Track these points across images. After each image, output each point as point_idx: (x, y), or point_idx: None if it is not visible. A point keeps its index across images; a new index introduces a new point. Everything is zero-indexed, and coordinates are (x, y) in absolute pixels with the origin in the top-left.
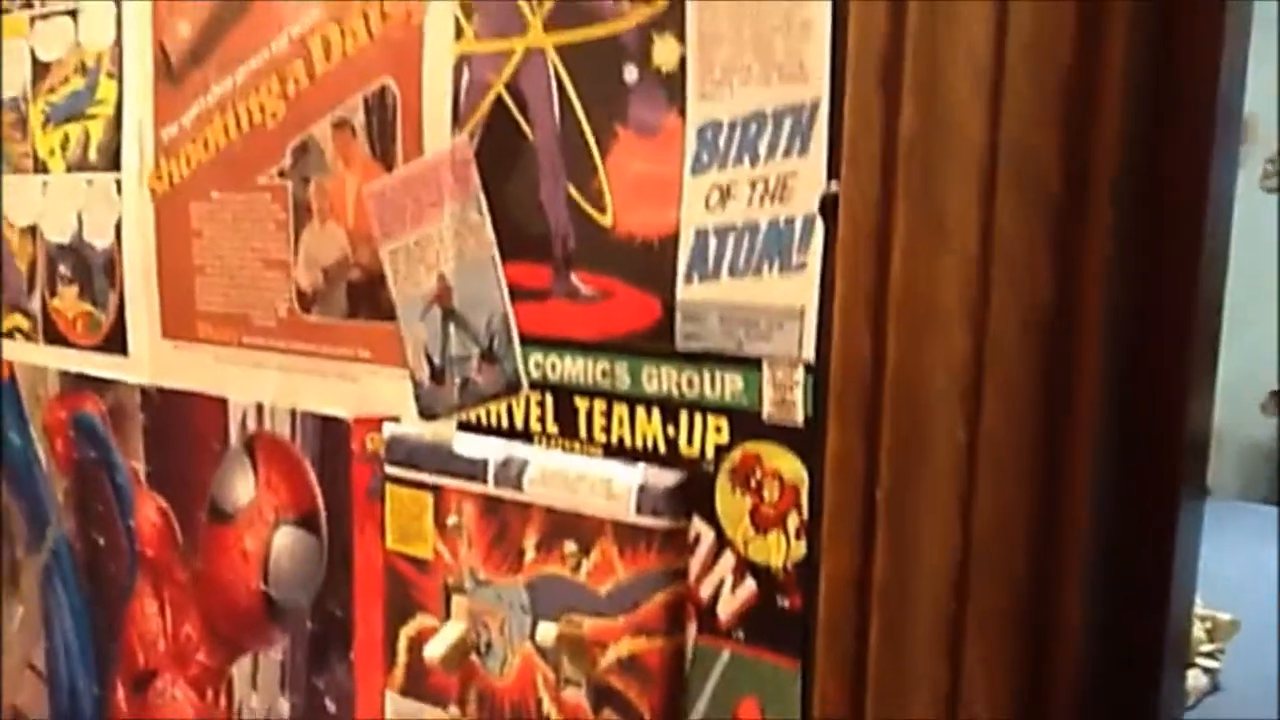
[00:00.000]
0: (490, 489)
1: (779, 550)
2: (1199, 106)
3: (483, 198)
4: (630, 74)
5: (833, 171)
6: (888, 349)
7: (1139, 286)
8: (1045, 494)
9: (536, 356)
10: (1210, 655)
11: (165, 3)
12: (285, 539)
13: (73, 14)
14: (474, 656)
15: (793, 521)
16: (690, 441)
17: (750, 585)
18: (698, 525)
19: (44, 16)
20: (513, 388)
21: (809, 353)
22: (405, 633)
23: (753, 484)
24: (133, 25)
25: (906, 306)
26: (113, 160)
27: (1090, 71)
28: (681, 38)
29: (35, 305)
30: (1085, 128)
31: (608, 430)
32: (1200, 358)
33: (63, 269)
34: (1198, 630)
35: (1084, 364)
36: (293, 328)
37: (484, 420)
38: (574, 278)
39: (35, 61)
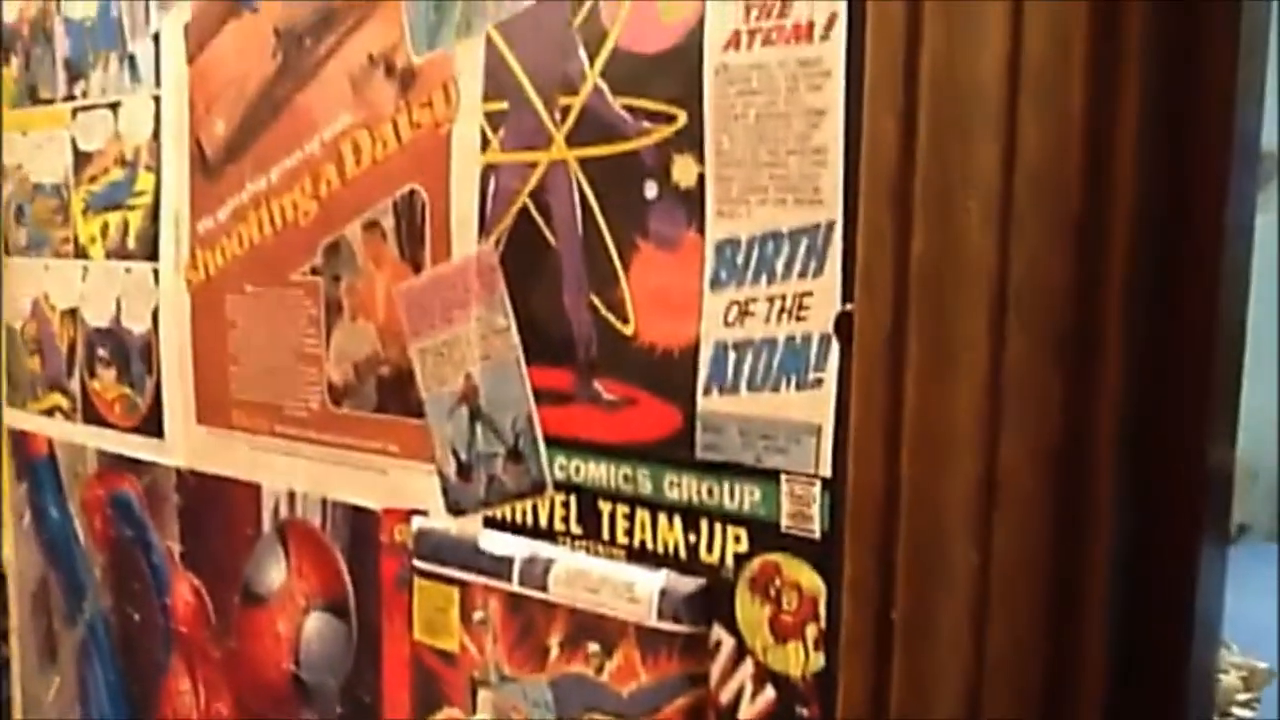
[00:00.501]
0: (516, 587)
1: (798, 660)
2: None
3: (508, 302)
4: (650, 190)
5: (847, 292)
6: (902, 471)
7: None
8: (1058, 618)
9: (561, 458)
10: (1247, 704)
11: (202, 101)
12: (316, 623)
13: (113, 107)
14: None
15: (811, 632)
16: (710, 549)
17: (770, 694)
18: (718, 632)
19: (86, 109)
20: (538, 488)
21: (826, 469)
22: None
23: (772, 593)
24: (171, 121)
25: (920, 430)
26: (151, 249)
27: (1099, 201)
28: (700, 157)
29: (75, 385)
30: (1095, 256)
31: (630, 534)
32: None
33: (102, 352)
34: (1233, 679)
35: (1097, 490)
36: (324, 419)
37: (509, 518)
38: (597, 384)
39: (77, 151)
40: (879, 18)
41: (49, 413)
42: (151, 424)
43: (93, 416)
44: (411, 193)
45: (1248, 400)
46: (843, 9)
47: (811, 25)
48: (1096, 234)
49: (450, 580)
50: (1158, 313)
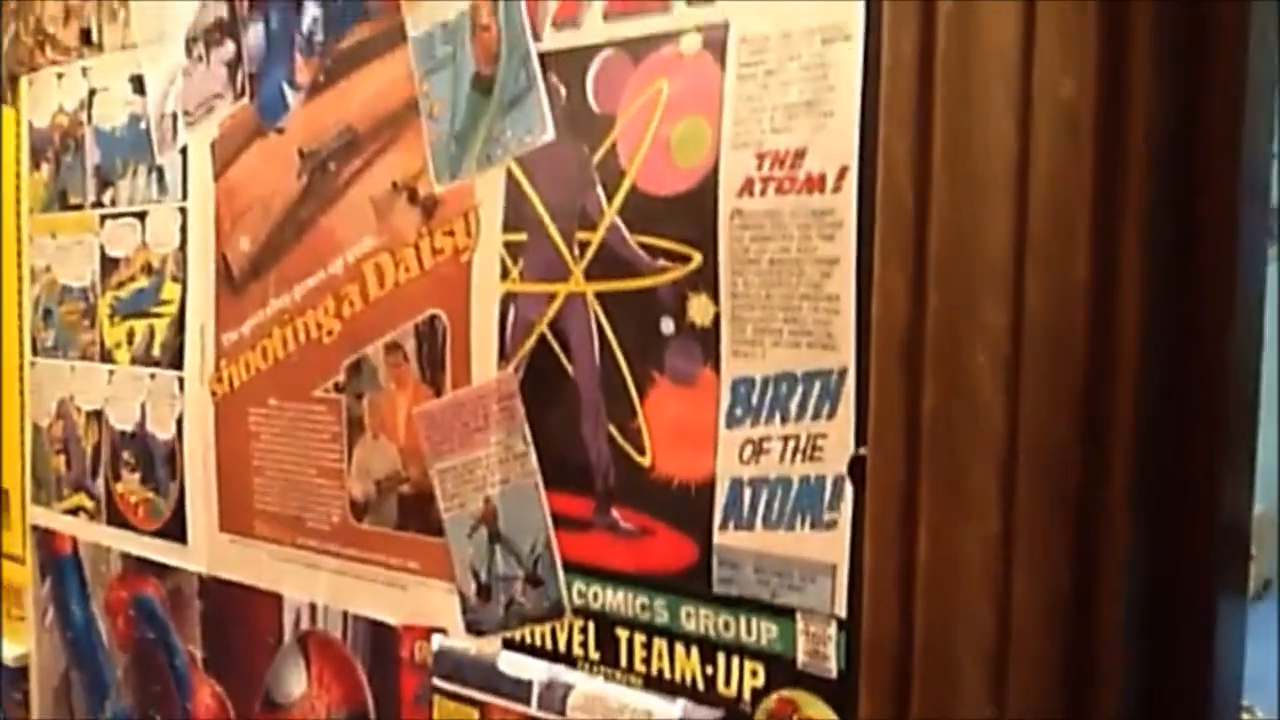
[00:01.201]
0: (535, 711)
1: None
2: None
3: (527, 429)
4: (667, 326)
5: (861, 435)
6: (916, 617)
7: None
8: None
9: (579, 584)
10: None
11: (228, 216)
12: None
13: (141, 216)
14: None
15: None
16: (728, 682)
17: None
18: None
19: (114, 216)
20: (556, 612)
21: (841, 609)
22: None
23: None
24: (197, 234)
25: (933, 576)
26: (176, 358)
27: (1105, 359)
28: (715, 297)
29: (99, 487)
30: (1102, 410)
31: (648, 662)
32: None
33: (126, 455)
34: None
35: (1104, 637)
36: (345, 534)
37: (528, 640)
38: (615, 512)
39: (104, 257)
40: (888, 181)
41: (73, 512)
42: (175, 528)
43: (116, 518)
44: (433, 317)
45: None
46: (854, 164)
47: (824, 177)
48: (1102, 389)
49: (470, 701)
50: (1166, 440)
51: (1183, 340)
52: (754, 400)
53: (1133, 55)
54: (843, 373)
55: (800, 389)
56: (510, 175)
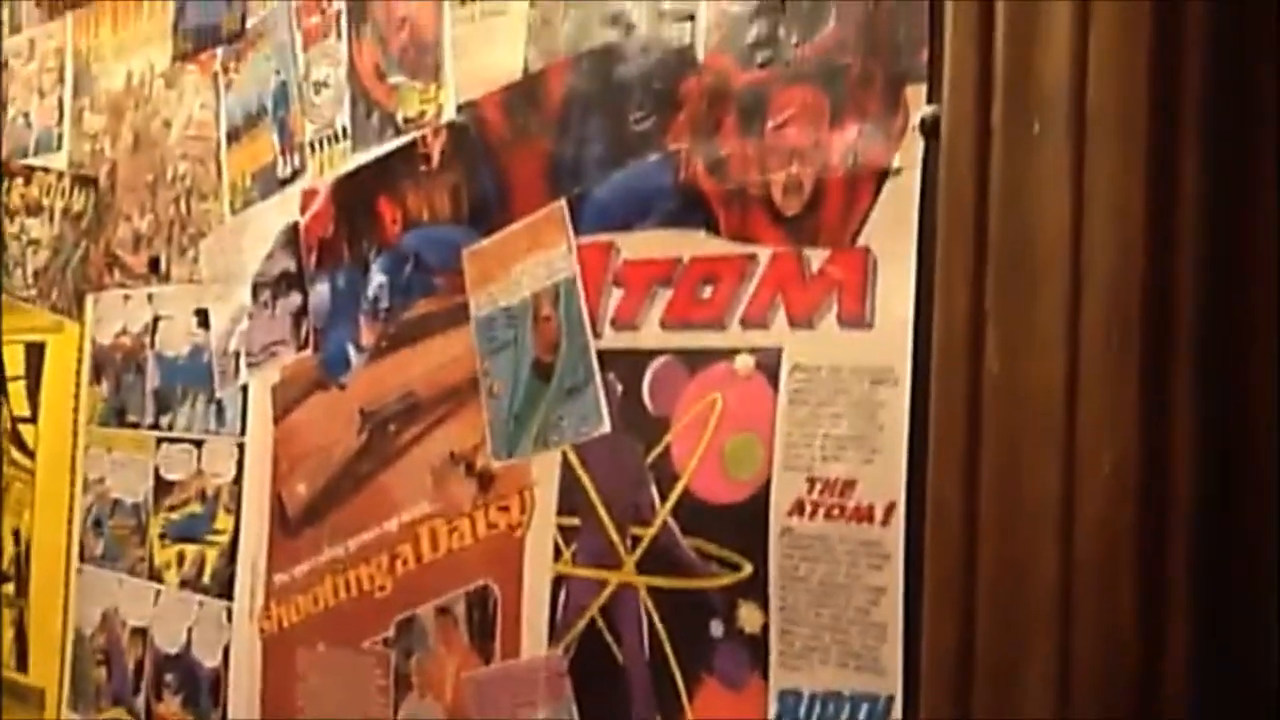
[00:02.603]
0: None
1: None
2: None
3: (575, 710)
4: (717, 629)
5: None
6: None
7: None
8: None
9: None
10: None
11: (286, 459)
12: None
13: (198, 444)
14: None
15: None
16: None
17: None
18: None
19: (171, 440)
20: None
21: None
22: None
23: None
24: (253, 472)
25: None
26: (225, 588)
27: (1152, 690)
28: (765, 608)
29: (140, 704)
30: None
31: None
32: None
33: (169, 677)
34: None
35: None
36: None
37: None
38: None
39: (159, 478)
40: (937, 522)
41: None
42: None
43: None
44: (485, 587)
45: None
46: (901, 500)
47: (872, 509)
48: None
49: None
50: None
51: (1229, 681)
52: (801, 713)
53: (1174, 423)
54: (890, 700)
55: (848, 709)
56: (566, 460)
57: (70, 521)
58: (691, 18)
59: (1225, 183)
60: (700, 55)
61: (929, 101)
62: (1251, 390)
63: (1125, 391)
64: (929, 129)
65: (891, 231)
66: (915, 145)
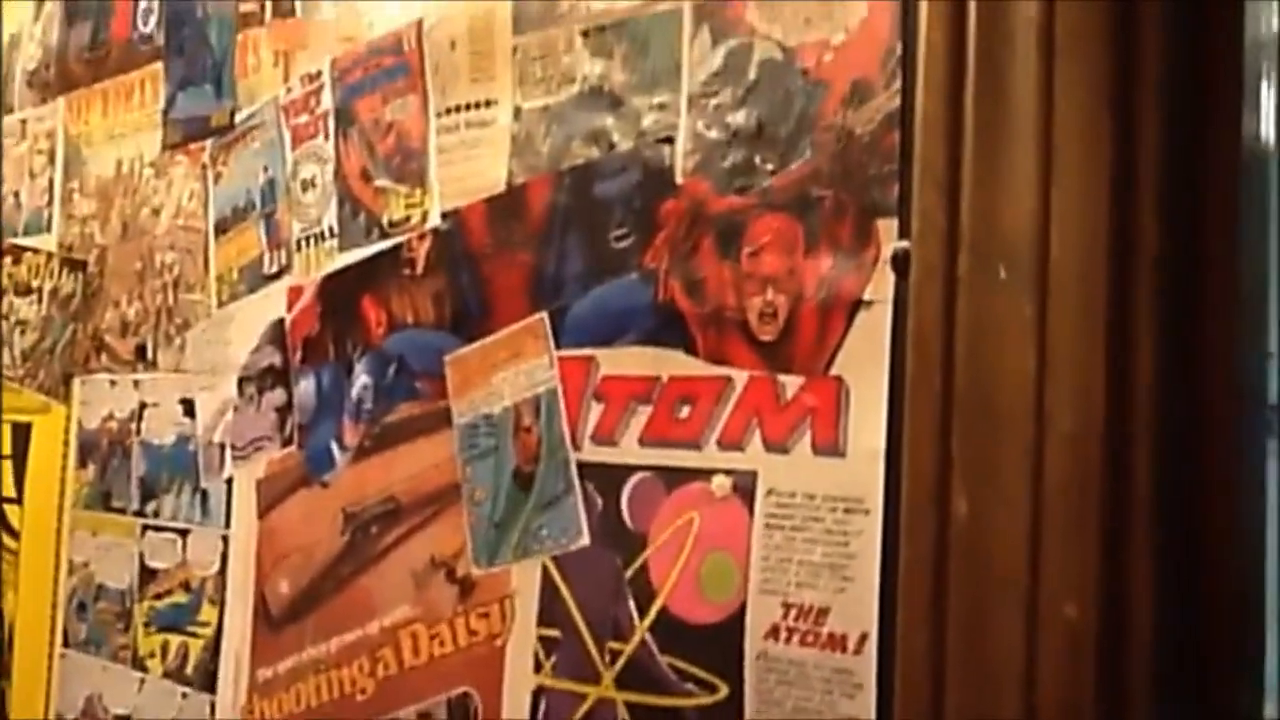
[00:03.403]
0: None
1: None
2: None
3: None
4: None
5: None
6: None
7: None
8: None
9: None
10: None
11: (269, 556)
12: None
13: (183, 534)
14: None
15: None
16: None
17: None
18: None
19: (156, 528)
20: None
21: None
22: None
23: None
24: (237, 566)
25: None
26: (209, 681)
27: None
28: None
29: None
30: None
31: None
32: None
33: None
34: None
35: None
36: None
37: None
38: None
39: (143, 565)
40: (905, 669)
41: None
42: None
43: None
44: (466, 694)
45: None
46: (874, 631)
47: (845, 638)
48: None
49: None
50: None
51: None
52: None
53: (1134, 574)
54: None
55: None
56: (546, 572)
57: (54, 605)
58: (671, 140)
59: (1179, 341)
60: (679, 178)
61: (900, 236)
62: (1210, 541)
63: (1087, 543)
64: (900, 264)
65: (864, 362)
66: (887, 278)
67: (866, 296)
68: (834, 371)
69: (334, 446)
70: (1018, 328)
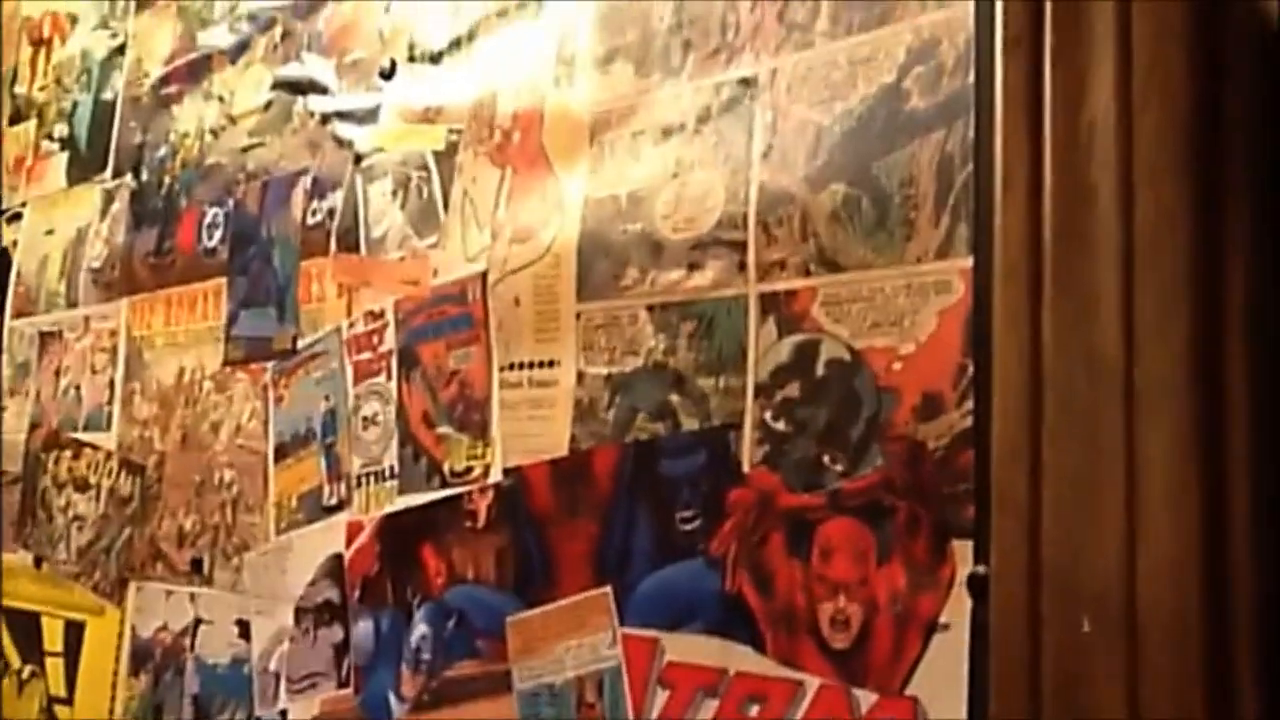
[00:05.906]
0: None
1: None
2: None
3: None
4: None
5: None
6: None
7: None
8: None
9: None
10: None
11: None
12: None
13: None
14: None
15: None
16: None
17: None
18: None
19: None
20: None
21: None
22: None
23: None
24: None
25: None
26: None
27: None
28: None
29: None
30: None
31: None
32: None
33: None
34: None
35: None
36: None
37: None
38: None
39: None
40: None
41: None
42: None
43: None
44: None
45: None
46: None
47: None
48: None
49: None
50: None
51: None
52: None
53: None
54: None
55: None
56: None
57: None
58: (737, 426)
59: None
60: (746, 466)
61: (975, 560)
62: None
63: None
64: (977, 589)
65: (940, 685)
66: (963, 601)
67: (943, 619)
68: (909, 691)
69: (392, 697)
70: (1106, 677)
